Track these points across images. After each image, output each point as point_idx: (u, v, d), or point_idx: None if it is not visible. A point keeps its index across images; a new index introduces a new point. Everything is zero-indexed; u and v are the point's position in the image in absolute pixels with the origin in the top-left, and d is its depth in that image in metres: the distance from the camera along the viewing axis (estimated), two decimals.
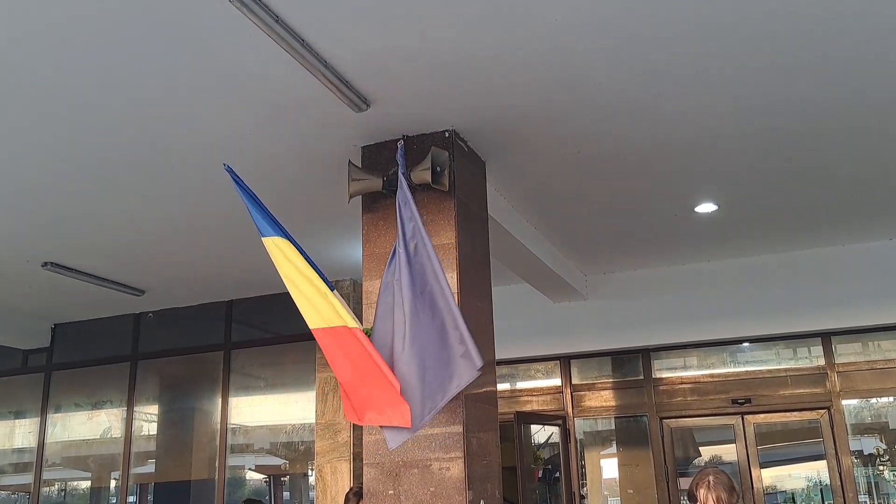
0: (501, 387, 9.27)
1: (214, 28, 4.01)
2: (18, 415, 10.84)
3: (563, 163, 5.91)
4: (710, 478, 3.59)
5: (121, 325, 10.05)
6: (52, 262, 7.67)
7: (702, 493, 3.55)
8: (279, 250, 4.30)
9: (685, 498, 3.71)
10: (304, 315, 4.28)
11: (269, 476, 9.66)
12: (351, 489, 6.42)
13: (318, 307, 4.27)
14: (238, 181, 4.39)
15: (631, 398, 9.24)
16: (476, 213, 5.50)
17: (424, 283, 4.44)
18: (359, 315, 5.12)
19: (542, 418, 9.50)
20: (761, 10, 4.07)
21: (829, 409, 8.45)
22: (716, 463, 8.86)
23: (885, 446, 8.45)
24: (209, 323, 9.61)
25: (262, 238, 4.32)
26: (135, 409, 9.96)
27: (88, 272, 8.07)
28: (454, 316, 4.33)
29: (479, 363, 4.26)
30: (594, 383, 9.44)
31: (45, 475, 10.29)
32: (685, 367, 9.24)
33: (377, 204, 5.26)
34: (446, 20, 4.04)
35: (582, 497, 9.21)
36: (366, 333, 4.70)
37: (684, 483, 8.93)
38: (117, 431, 10.05)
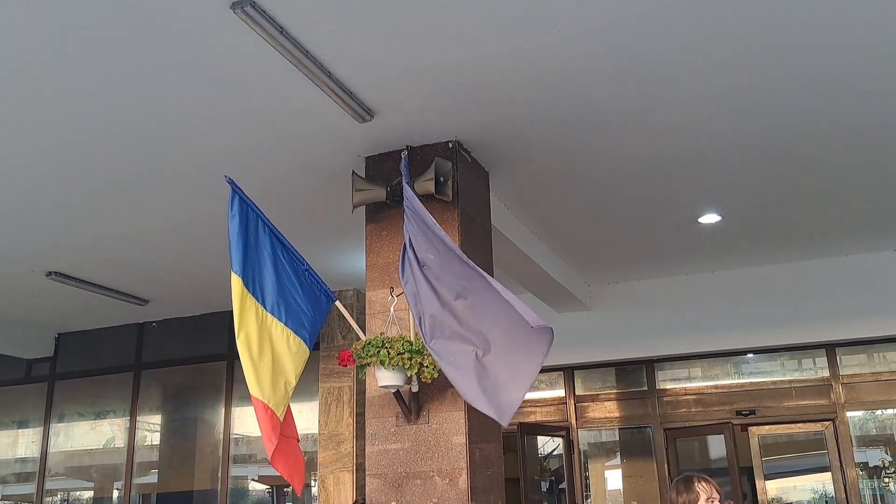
0: None
1: (219, 40, 4.03)
2: (21, 424, 10.84)
3: (567, 173, 5.91)
4: (695, 475, 3.86)
5: (124, 335, 10.06)
6: (56, 272, 7.69)
7: (703, 485, 3.76)
8: (237, 291, 4.28)
9: None
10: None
11: (271, 486, 9.64)
12: (355, 501, 6.41)
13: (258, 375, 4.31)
14: (239, 193, 4.40)
15: (635, 409, 9.21)
16: (479, 224, 5.51)
17: (462, 285, 4.32)
18: (362, 325, 5.13)
19: (546, 429, 9.48)
20: (763, 22, 4.08)
21: (833, 420, 8.42)
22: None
23: (890, 458, 8.41)
24: (212, 333, 9.61)
25: (232, 272, 4.31)
26: (138, 418, 9.96)
27: (92, 282, 8.09)
28: (505, 299, 4.19)
29: (542, 324, 4.04)
30: (598, 394, 9.42)
31: (48, 485, 10.28)
32: (689, 378, 9.21)
33: (381, 214, 5.27)
34: (450, 32, 4.06)
35: None
36: (369, 345, 4.69)
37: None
38: (120, 441, 10.04)
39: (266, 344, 4.34)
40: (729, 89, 4.77)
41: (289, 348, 4.45)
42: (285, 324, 4.46)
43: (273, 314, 4.42)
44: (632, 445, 9.42)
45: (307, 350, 4.59)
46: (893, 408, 8.56)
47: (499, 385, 4.03)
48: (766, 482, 8.57)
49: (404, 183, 4.76)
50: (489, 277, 4.20)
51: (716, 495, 3.75)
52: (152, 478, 9.89)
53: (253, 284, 4.35)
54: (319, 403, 8.62)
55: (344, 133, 5.07)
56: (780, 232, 7.52)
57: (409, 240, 4.44)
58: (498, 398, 4.00)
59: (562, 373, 9.46)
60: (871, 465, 8.43)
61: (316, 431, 8.64)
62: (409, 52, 4.23)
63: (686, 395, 9.08)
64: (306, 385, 8.83)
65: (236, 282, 4.27)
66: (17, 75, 4.31)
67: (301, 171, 5.67)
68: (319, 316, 4.75)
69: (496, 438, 5.22)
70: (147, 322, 9.96)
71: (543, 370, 9.31)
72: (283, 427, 4.39)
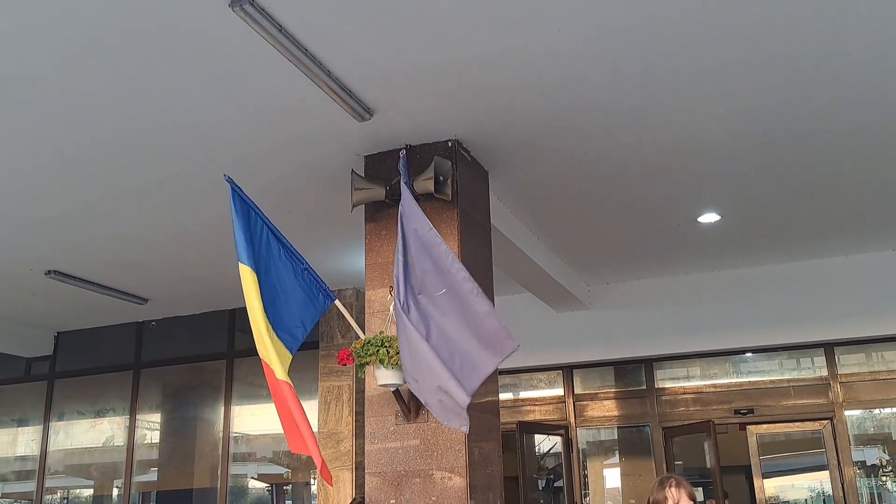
0: (504, 396, 9.26)
1: (218, 38, 4.03)
2: (21, 422, 10.85)
3: (566, 173, 5.92)
4: (674, 479, 3.80)
5: (124, 334, 10.05)
6: (55, 271, 7.69)
7: (672, 492, 3.72)
8: (248, 281, 4.30)
9: None
10: (258, 349, 4.32)
11: (271, 485, 9.65)
12: (354, 499, 6.41)
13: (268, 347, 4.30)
14: (238, 191, 4.40)
15: (633, 408, 9.22)
16: (479, 223, 5.51)
17: (436, 288, 4.37)
18: (361, 324, 5.14)
19: (545, 428, 9.49)
20: (763, 21, 4.09)
21: (831, 419, 8.43)
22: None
23: (888, 457, 8.42)
24: (212, 332, 9.62)
25: (239, 263, 4.32)
26: (137, 417, 9.96)
27: (92, 280, 8.09)
28: (475, 312, 4.25)
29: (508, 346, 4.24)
30: (597, 393, 9.43)
31: (48, 483, 10.29)
32: (688, 378, 9.22)
33: (380, 213, 5.28)
34: (449, 31, 4.06)
35: None
36: (368, 344, 4.70)
37: None
38: (120, 440, 10.05)
39: None
40: (728, 90, 4.78)
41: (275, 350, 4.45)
42: (271, 324, 4.47)
43: (265, 313, 4.43)
44: (630, 444, 9.43)
45: (287, 354, 4.56)
46: (891, 407, 8.57)
47: (447, 392, 4.11)
48: (765, 481, 8.58)
49: (402, 183, 4.78)
50: (470, 286, 4.21)
51: (686, 502, 3.72)
52: (152, 476, 9.90)
53: (259, 281, 4.35)
54: (319, 402, 8.62)
55: (343, 132, 5.08)
56: (779, 231, 7.53)
57: (403, 238, 4.50)
58: (447, 406, 4.11)
59: (561, 372, 9.47)
60: (868, 463, 8.45)
61: (315, 430, 8.62)
62: (409, 51, 4.23)
63: (685, 394, 9.09)
64: (305, 384, 8.88)
65: (247, 272, 4.26)
66: (18, 77, 4.32)
67: (300, 170, 5.67)
68: (312, 317, 4.73)
69: (495, 437, 5.24)
70: (146, 321, 9.96)
71: (543, 369, 9.42)
72: None
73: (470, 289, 4.23)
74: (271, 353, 4.23)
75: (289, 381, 4.20)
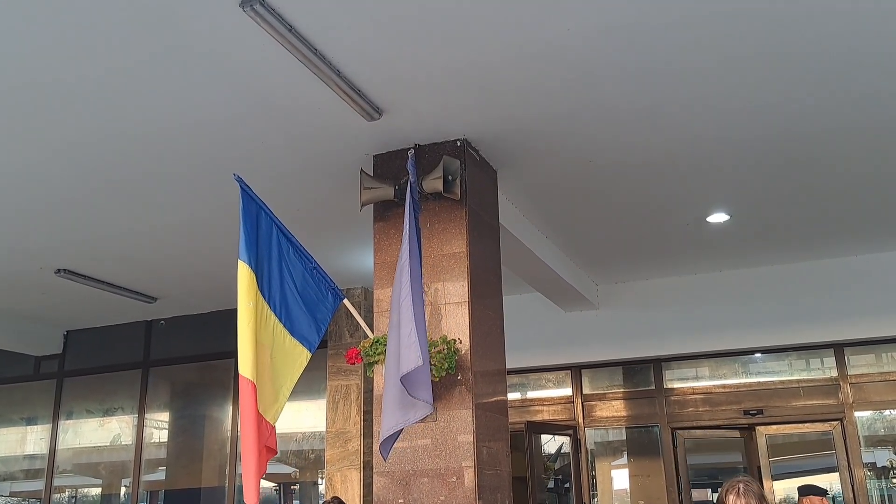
0: (512, 396, 9.24)
1: (228, 38, 4.04)
2: (30, 421, 10.88)
3: (575, 172, 5.91)
4: (741, 485, 3.58)
5: (132, 332, 10.09)
6: (65, 269, 7.72)
7: (731, 499, 3.55)
8: (245, 279, 4.29)
9: None
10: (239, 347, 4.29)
11: (279, 484, 9.65)
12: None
13: (246, 353, 4.25)
14: (247, 190, 4.41)
15: (642, 408, 9.20)
16: (487, 222, 5.51)
17: (398, 294, 4.44)
18: (370, 323, 5.13)
19: (553, 428, 9.47)
20: (771, 20, 4.07)
21: (841, 420, 8.39)
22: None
23: None
24: (220, 330, 9.60)
25: (239, 260, 4.32)
26: (146, 416, 9.99)
27: (101, 279, 8.12)
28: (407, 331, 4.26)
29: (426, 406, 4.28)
30: (605, 393, 9.41)
31: (57, 482, 10.33)
32: (697, 378, 9.19)
33: (389, 212, 5.28)
34: (459, 30, 4.06)
35: None
36: (377, 343, 4.71)
37: (696, 495, 8.88)
38: (128, 438, 10.08)
39: (267, 341, 4.33)
40: (738, 89, 4.76)
41: (284, 349, 4.44)
42: (284, 324, 4.47)
43: (275, 312, 4.43)
44: (639, 445, 9.40)
45: (305, 352, 4.56)
46: None
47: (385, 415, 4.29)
48: (774, 482, 8.54)
49: (410, 183, 4.78)
50: (409, 313, 4.25)
51: None
52: (160, 475, 9.92)
53: (261, 280, 4.36)
54: (327, 401, 8.63)
55: (352, 131, 5.08)
56: (788, 231, 7.50)
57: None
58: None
59: (569, 371, 9.45)
60: (878, 465, 8.40)
61: (323, 429, 8.65)
62: (418, 50, 4.23)
63: (694, 394, 9.06)
64: (314, 383, 8.89)
65: (245, 271, 4.26)
66: (31, 76, 4.33)
67: (309, 169, 5.68)
68: (325, 315, 4.74)
69: (504, 437, 5.23)
70: (155, 320, 9.99)
71: (551, 369, 9.41)
72: (269, 438, 4.33)
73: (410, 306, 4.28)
74: (246, 350, 4.20)
75: (252, 381, 4.18)
